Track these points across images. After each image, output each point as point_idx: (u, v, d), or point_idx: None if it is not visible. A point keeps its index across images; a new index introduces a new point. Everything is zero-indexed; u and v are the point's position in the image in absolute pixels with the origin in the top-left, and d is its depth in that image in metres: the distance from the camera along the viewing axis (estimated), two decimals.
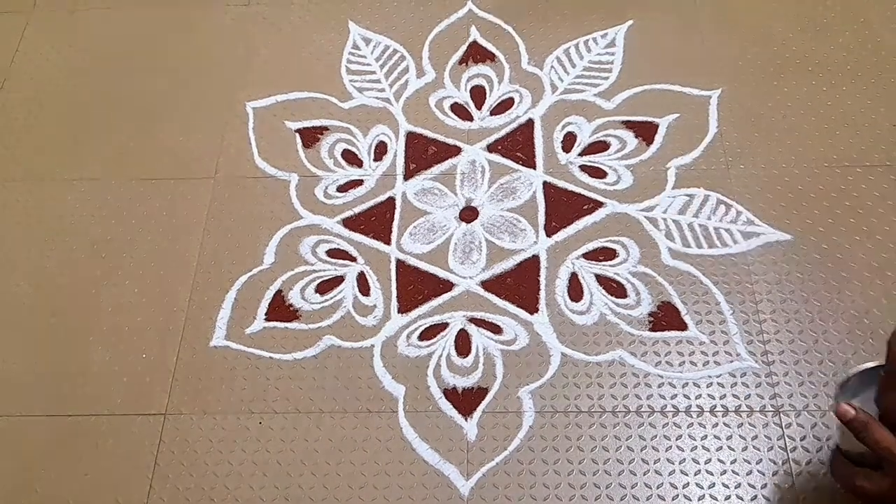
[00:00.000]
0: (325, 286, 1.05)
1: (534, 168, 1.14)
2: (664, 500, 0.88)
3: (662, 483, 0.89)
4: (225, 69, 1.26)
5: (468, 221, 1.10)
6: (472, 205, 1.11)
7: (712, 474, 0.90)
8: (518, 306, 1.02)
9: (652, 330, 0.99)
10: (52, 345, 1.02)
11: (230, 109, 1.22)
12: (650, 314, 1.01)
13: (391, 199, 1.12)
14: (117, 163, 1.17)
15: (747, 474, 0.90)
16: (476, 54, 1.26)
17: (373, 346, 1.00)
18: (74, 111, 1.23)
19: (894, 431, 0.67)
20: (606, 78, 1.21)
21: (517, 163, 1.15)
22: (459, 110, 1.20)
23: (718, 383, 0.96)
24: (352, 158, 1.16)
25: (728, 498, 0.88)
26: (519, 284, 1.04)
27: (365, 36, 1.28)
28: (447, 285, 1.05)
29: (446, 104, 1.21)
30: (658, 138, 1.15)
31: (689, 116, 1.17)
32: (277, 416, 0.96)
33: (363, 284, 1.05)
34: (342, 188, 1.13)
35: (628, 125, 1.17)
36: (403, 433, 0.94)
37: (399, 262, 1.07)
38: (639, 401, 0.95)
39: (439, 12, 1.30)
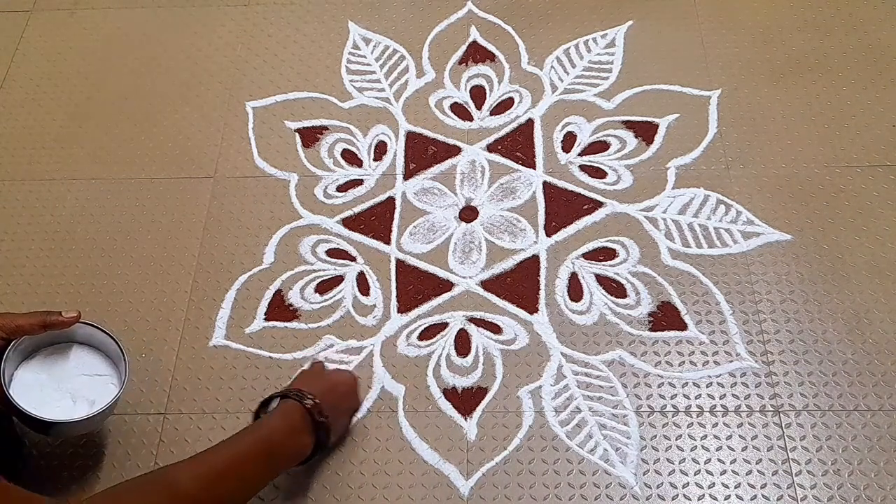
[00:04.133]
0: (325, 286, 1.05)
1: (534, 168, 1.14)
2: (664, 499, 0.88)
3: (662, 483, 0.89)
4: (225, 69, 1.26)
5: (468, 221, 1.10)
6: (472, 204, 1.11)
7: (712, 474, 0.90)
8: (518, 306, 1.02)
9: (652, 330, 0.99)
10: None
11: (230, 109, 1.22)
12: (650, 314, 1.01)
13: (391, 199, 1.12)
14: (117, 163, 1.17)
15: (747, 474, 0.90)
16: (476, 54, 1.26)
17: (372, 345, 1.00)
18: (74, 111, 1.23)
19: None
20: (606, 78, 1.21)
21: (517, 163, 1.15)
22: (459, 110, 1.20)
23: (718, 383, 0.96)
24: (351, 158, 1.16)
25: (728, 498, 0.88)
26: (519, 284, 1.04)
27: (365, 36, 1.28)
28: (447, 285, 1.04)
29: (446, 104, 1.21)
30: (658, 138, 1.15)
31: (689, 116, 1.17)
32: None
33: (363, 284, 1.05)
34: (342, 188, 1.13)
35: (628, 125, 1.17)
36: (403, 433, 0.94)
37: (399, 262, 1.07)
38: (639, 401, 0.95)
39: (439, 12, 1.30)
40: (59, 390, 0.85)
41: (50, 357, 0.87)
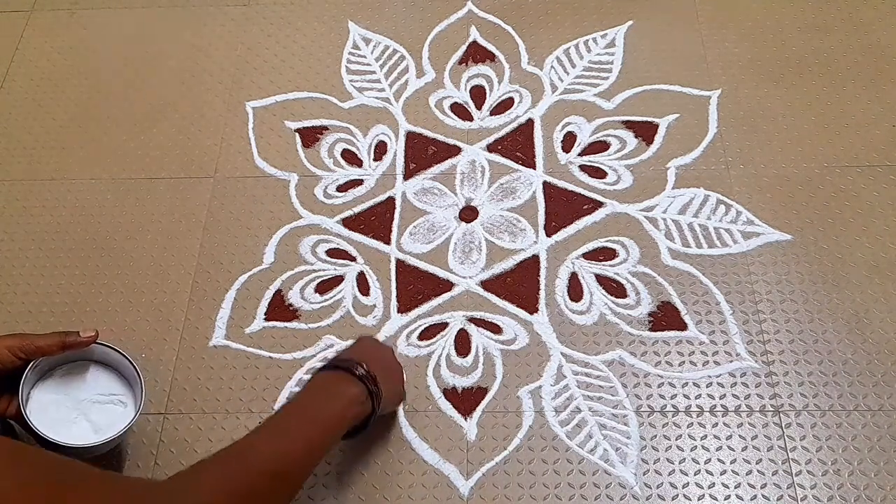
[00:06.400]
0: (325, 286, 1.05)
1: (534, 168, 1.14)
2: (664, 499, 0.88)
3: (662, 483, 0.89)
4: (225, 69, 1.26)
5: (468, 221, 1.10)
6: (472, 204, 1.11)
7: (712, 474, 0.90)
8: (518, 306, 1.02)
9: (652, 330, 0.99)
10: None
11: (230, 109, 1.22)
12: (650, 314, 1.01)
13: (391, 199, 1.12)
14: (117, 163, 1.17)
15: (747, 474, 0.90)
16: (476, 54, 1.26)
17: None
18: (74, 111, 1.23)
19: None
20: (606, 78, 1.22)
21: (517, 163, 1.15)
22: (459, 110, 1.20)
23: (718, 383, 0.96)
24: (351, 158, 1.16)
25: (728, 498, 0.88)
26: (519, 284, 1.04)
27: (365, 36, 1.28)
28: (447, 285, 1.04)
29: (446, 104, 1.21)
30: (658, 138, 1.15)
31: (689, 116, 1.17)
32: None
33: (363, 284, 1.05)
34: (342, 188, 1.13)
35: (628, 125, 1.17)
36: (403, 433, 0.94)
37: (399, 262, 1.07)
38: (639, 401, 0.95)
39: (439, 12, 1.30)
40: (75, 410, 0.86)
41: (66, 376, 0.87)
